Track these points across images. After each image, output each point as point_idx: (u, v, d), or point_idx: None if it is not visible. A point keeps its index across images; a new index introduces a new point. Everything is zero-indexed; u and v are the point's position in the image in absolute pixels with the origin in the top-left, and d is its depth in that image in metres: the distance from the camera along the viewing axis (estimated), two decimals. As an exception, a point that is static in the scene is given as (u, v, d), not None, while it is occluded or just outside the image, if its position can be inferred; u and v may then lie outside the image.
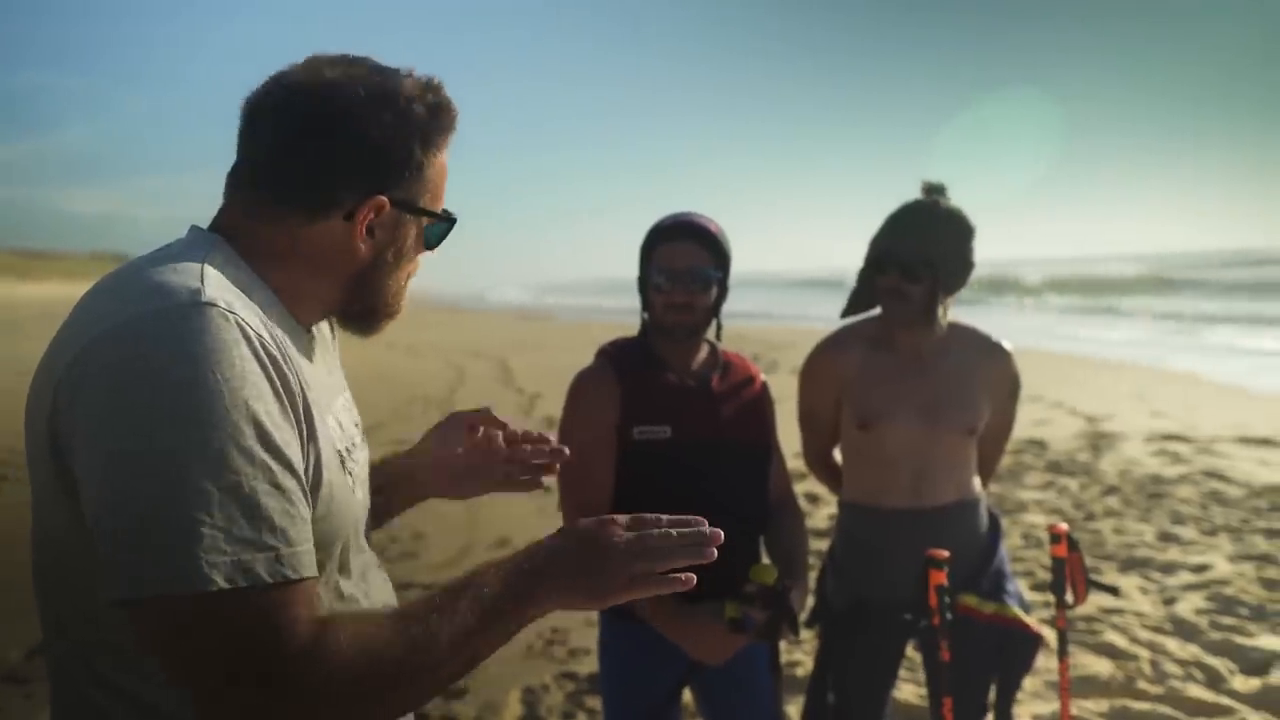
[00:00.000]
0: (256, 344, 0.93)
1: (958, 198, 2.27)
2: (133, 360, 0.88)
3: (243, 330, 0.92)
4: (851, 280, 2.37)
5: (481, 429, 1.43)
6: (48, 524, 0.96)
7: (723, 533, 1.05)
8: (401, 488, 1.41)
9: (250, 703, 0.87)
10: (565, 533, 1.05)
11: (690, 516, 1.06)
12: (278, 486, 0.89)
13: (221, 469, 0.86)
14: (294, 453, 0.93)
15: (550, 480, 1.53)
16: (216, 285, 0.95)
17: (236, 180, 1.08)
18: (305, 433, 0.97)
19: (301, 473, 0.94)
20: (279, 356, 0.95)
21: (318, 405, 1.02)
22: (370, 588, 1.15)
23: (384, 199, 1.06)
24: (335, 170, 1.04)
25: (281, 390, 0.94)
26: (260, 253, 1.05)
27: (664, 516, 1.05)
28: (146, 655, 0.91)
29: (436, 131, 1.10)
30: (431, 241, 1.16)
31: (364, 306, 1.14)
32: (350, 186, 1.05)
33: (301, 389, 0.98)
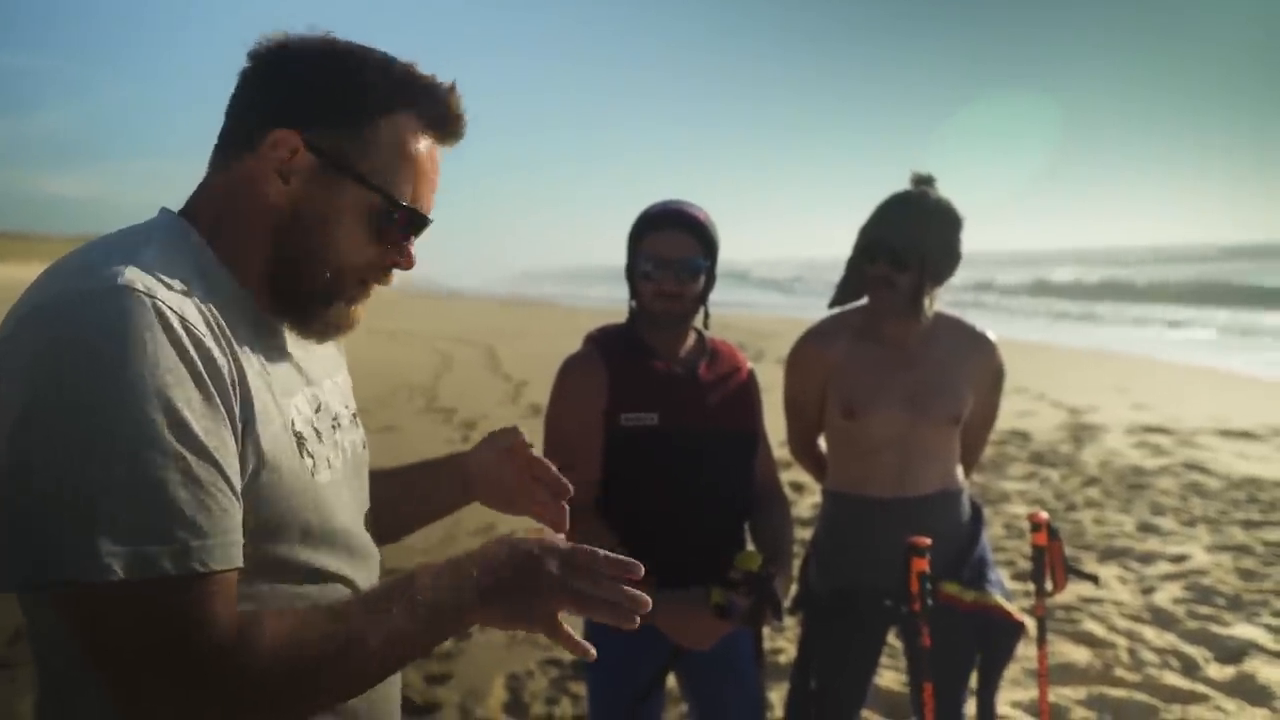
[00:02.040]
0: (178, 329, 0.88)
1: (950, 194, 2.28)
2: (48, 344, 0.85)
3: (160, 314, 0.88)
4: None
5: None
6: None
7: (652, 601, 1.04)
8: (450, 487, 1.40)
9: (167, 698, 0.85)
10: (503, 544, 1.02)
11: (627, 559, 1.02)
12: (190, 477, 0.86)
13: (129, 458, 0.83)
14: (216, 440, 0.89)
15: None
16: (142, 268, 0.91)
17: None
18: (240, 418, 0.93)
19: (226, 461, 0.90)
20: (210, 342, 0.91)
21: (268, 389, 0.99)
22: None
23: (291, 133, 0.99)
24: (263, 105, 1.01)
25: (206, 376, 0.89)
26: (215, 224, 1.02)
27: (601, 553, 1.02)
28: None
29: (397, 98, 1.02)
30: (388, 226, 1.04)
31: (289, 281, 1.03)
32: (265, 118, 1.00)
33: (238, 374, 0.94)
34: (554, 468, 1.33)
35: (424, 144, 1.05)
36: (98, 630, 0.84)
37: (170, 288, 0.92)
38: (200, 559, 0.86)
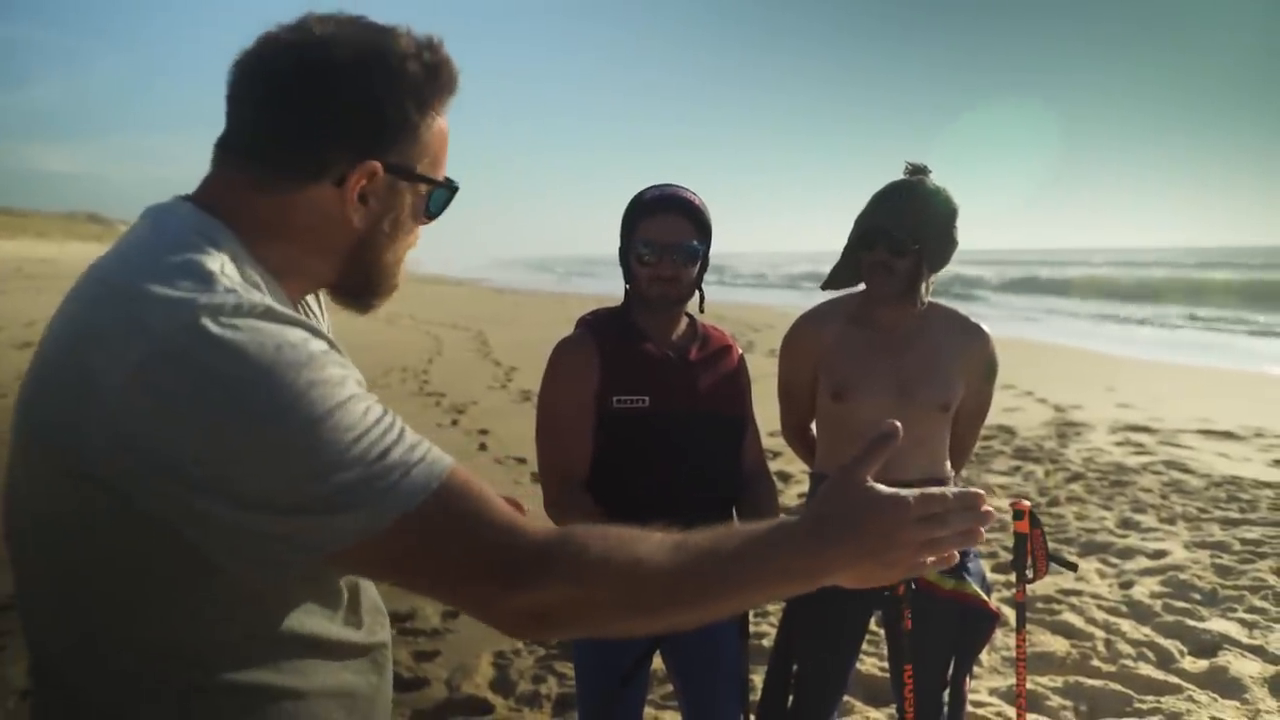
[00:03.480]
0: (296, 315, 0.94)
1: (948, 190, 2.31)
2: (214, 380, 0.86)
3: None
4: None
5: None
6: (49, 512, 0.91)
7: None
8: None
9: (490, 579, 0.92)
10: (855, 511, 0.98)
11: (968, 492, 0.98)
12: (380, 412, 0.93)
13: (348, 414, 0.89)
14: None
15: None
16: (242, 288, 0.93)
17: (225, 148, 1.03)
18: None
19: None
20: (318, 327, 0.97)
21: None
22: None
23: (377, 164, 1.01)
24: (323, 132, 0.99)
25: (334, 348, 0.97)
26: (257, 231, 1.01)
27: (949, 496, 0.97)
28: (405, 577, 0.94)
29: (434, 92, 1.04)
30: (433, 210, 1.11)
31: (360, 281, 1.10)
32: (340, 149, 1.00)
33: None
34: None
35: (446, 117, 1.08)
36: (418, 557, 0.91)
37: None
38: (441, 467, 0.93)
